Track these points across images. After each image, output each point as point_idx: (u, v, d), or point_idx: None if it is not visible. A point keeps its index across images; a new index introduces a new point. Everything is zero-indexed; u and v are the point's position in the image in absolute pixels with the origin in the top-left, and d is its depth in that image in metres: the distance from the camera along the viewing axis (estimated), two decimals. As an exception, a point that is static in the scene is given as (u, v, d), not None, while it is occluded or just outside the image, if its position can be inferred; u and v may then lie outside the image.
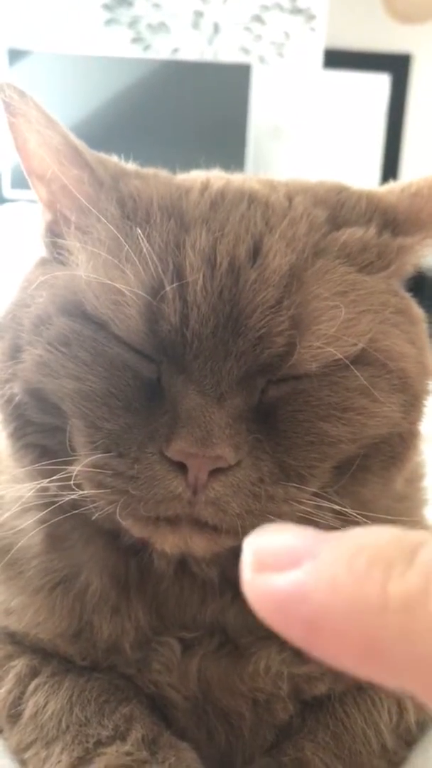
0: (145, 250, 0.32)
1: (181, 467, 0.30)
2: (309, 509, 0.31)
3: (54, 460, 0.34)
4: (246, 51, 2.87)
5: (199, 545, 0.33)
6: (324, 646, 0.15)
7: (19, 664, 0.39)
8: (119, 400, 0.32)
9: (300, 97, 2.90)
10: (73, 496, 0.33)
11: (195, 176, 0.40)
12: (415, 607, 0.13)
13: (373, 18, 3.41)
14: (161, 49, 2.86)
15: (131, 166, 0.41)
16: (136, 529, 0.34)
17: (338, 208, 0.37)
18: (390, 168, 3.85)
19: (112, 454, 0.32)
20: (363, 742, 0.37)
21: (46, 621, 0.39)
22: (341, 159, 4.28)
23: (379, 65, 3.53)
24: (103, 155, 0.40)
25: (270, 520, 0.26)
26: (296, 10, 2.85)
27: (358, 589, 0.14)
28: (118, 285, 0.32)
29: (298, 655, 0.37)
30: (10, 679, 0.39)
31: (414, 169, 3.82)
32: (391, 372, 0.34)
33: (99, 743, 0.35)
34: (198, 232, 0.33)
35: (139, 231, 0.33)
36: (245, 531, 0.26)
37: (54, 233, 0.39)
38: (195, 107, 2.66)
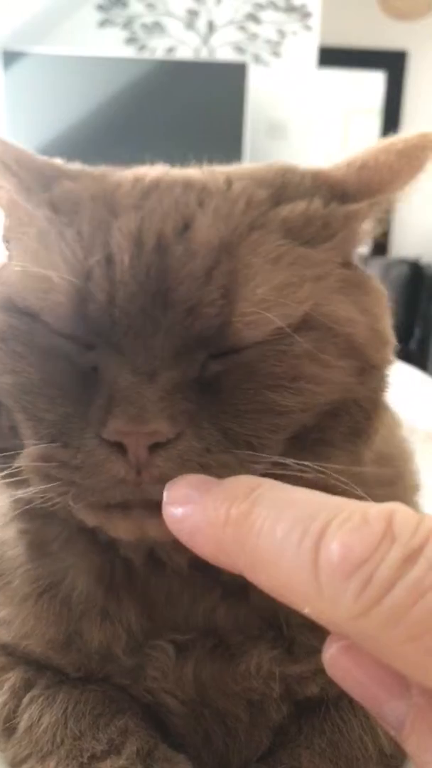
0: (72, 236, 0.32)
1: (121, 448, 0.29)
2: (273, 472, 0.30)
3: (3, 455, 0.34)
4: (241, 50, 2.87)
5: (155, 529, 0.32)
6: (197, 547, 0.25)
7: (14, 677, 0.39)
8: (57, 389, 0.32)
9: (296, 95, 2.90)
10: (27, 493, 0.32)
11: (134, 170, 0.39)
12: (241, 522, 0.23)
13: (368, 15, 3.41)
14: (156, 49, 2.86)
15: (69, 166, 0.39)
16: (89, 519, 0.33)
17: (282, 187, 0.36)
18: (387, 165, 3.85)
19: (56, 444, 0.31)
20: (360, 748, 0.37)
21: (33, 629, 0.38)
22: (337, 157, 4.26)
23: (374, 62, 3.53)
24: (40, 159, 0.39)
25: None
26: (291, 9, 2.85)
27: (215, 513, 0.24)
28: (46, 272, 0.32)
29: (289, 654, 0.37)
30: (4, 692, 0.38)
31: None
32: (337, 336, 0.33)
33: (93, 757, 0.34)
34: (127, 215, 0.33)
35: (68, 220, 0.33)
36: None
37: (5, 238, 0.39)
38: (191, 107, 2.66)
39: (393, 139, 0.36)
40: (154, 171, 0.37)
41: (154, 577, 0.38)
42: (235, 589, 0.37)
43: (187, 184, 0.35)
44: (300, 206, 0.35)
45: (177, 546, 0.33)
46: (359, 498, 0.24)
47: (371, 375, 0.35)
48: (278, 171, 0.37)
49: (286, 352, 0.32)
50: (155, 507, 0.30)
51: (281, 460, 0.31)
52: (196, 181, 0.35)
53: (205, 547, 0.24)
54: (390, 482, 0.42)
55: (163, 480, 0.29)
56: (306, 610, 0.21)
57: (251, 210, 0.34)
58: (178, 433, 0.30)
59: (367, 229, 0.38)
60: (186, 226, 0.32)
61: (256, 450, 0.31)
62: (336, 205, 0.36)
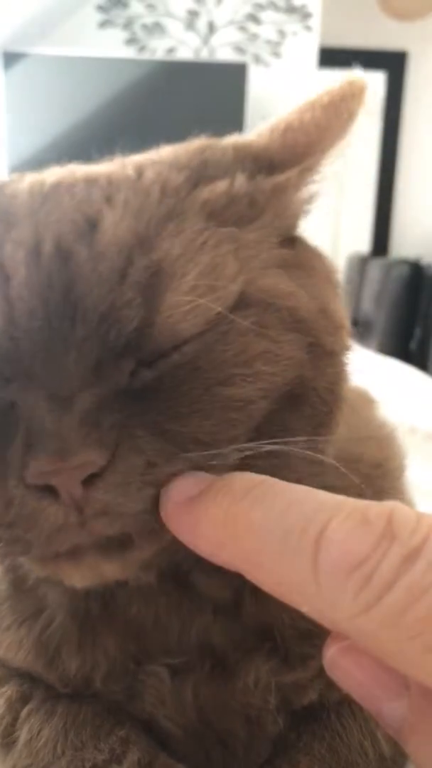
0: None
1: (52, 491, 0.26)
2: (239, 462, 0.28)
3: None
4: (241, 50, 2.87)
5: (112, 571, 0.29)
6: (196, 544, 0.25)
7: (9, 690, 0.38)
8: None
9: (296, 96, 2.90)
10: None
11: (34, 175, 0.35)
12: (240, 520, 0.23)
13: (369, 16, 3.41)
14: (156, 50, 2.86)
15: None
16: (38, 571, 0.31)
17: (201, 167, 0.33)
18: (387, 166, 3.85)
19: None
20: (360, 753, 0.36)
21: (15, 654, 0.38)
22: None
23: (374, 63, 3.53)
24: None
25: None
26: (291, 9, 2.85)
27: (215, 511, 0.24)
28: None
29: (285, 663, 0.37)
30: (1, 705, 0.38)
31: (411, 167, 3.82)
32: (279, 310, 0.30)
33: (95, 767, 0.34)
34: (21, 225, 0.29)
35: None
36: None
37: None
38: (191, 107, 2.66)
39: (318, 93, 0.33)
40: (56, 173, 0.34)
41: (137, 603, 0.36)
42: (226, 605, 0.36)
43: (91, 181, 0.32)
44: (221, 185, 0.32)
45: (146, 567, 0.32)
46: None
47: (327, 362, 0.33)
48: (196, 150, 0.34)
49: (229, 332, 0.29)
50: (109, 546, 0.28)
51: (241, 447, 0.28)
52: (101, 176, 0.32)
53: (204, 546, 0.24)
54: (368, 477, 0.41)
55: (108, 511, 0.26)
56: (305, 609, 0.21)
57: (167, 198, 0.30)
58: (111, 455, 0.26)
59: (304, 198, 0.34)
60: (92, 227, 0.29)
61: (212, 447, 0.28)
62: (262, 178, 0.33)
